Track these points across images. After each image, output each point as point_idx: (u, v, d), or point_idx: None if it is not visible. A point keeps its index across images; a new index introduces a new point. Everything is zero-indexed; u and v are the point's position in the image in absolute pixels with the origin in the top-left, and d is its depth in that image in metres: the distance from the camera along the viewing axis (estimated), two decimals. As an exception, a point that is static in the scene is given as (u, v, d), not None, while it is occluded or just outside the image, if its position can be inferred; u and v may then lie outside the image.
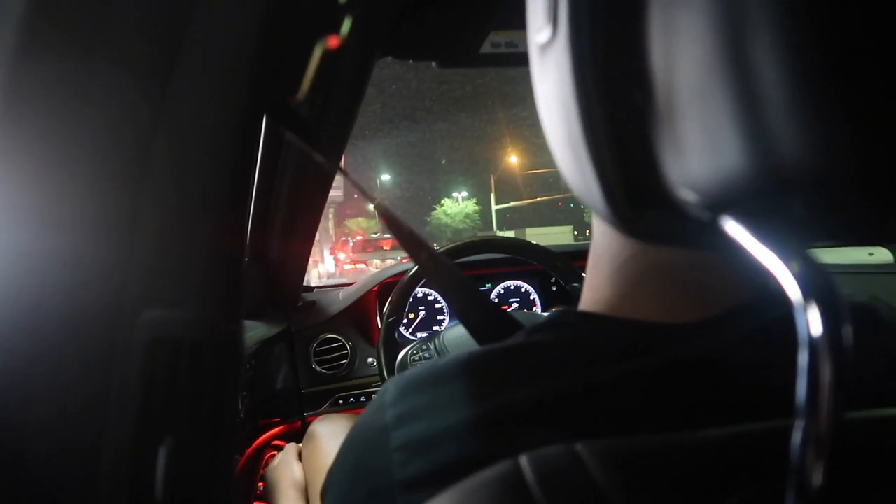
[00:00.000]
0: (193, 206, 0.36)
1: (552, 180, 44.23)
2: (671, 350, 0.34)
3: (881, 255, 1.66)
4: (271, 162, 1.13)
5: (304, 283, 1.58)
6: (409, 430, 0.35)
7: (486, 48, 0.87)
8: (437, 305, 1.60)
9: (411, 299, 1.52)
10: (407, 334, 1.58)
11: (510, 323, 0.54)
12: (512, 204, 40.43)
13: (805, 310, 0.22)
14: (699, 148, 0.24)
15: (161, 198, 0.35)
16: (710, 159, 0.23)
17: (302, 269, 1.42)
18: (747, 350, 0.34)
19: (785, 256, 0.23)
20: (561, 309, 0.42)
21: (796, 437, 0.22)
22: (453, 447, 0.33)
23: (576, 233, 35.93)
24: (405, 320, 1.58)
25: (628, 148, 0.27)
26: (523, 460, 0.28)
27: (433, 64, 0.90)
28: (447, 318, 1.60)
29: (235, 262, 0.39)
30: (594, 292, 0.41)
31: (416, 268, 1.23)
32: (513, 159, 48.42)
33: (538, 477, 0.27)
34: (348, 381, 1.42)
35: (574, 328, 0.39)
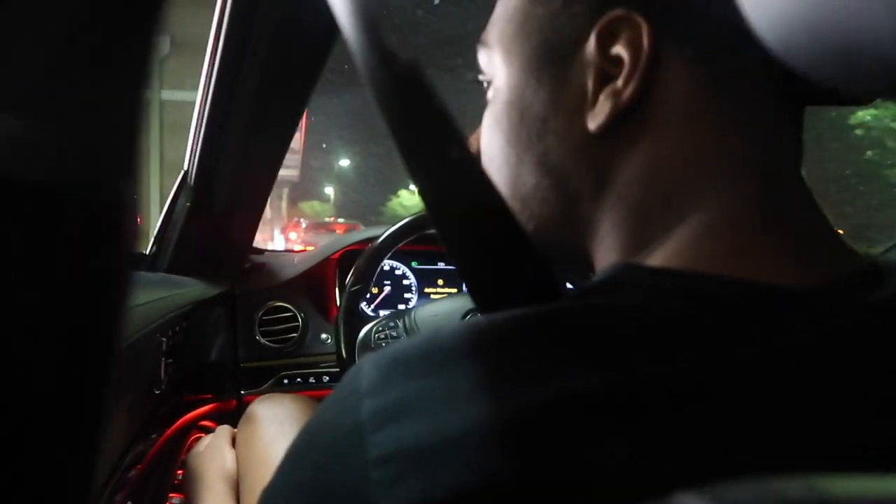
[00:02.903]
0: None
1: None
2: (820, 321, 0.26)
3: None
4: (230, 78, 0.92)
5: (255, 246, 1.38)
6: (397, 433, 0.24)
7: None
8: (406, 282, 1.42)
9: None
10: (368, 311, 1.40)
11: (551, 287, 0.36)
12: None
13: None
14: None
15: None
16: None
17: (254, 223, 1.22)
18: None
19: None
20: (620, 263, 0.33)
21: None
22: (473, 463, 0.22)
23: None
24: (367, 295, 1.39)
25: None
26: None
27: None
28: (415, 297, 1.42)
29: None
30: (650, 242, 0.33)
31: (387, 235, 1.05)
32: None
33: None
34: (296, 357, 1.23)
35: (660, 289, 0.29)
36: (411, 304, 1.41)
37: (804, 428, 0.23)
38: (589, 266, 0.39)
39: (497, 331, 0.26)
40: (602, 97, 0.34)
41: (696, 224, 0.31)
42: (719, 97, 0.32)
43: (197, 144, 1.05)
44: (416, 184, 0.34)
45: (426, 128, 0.33)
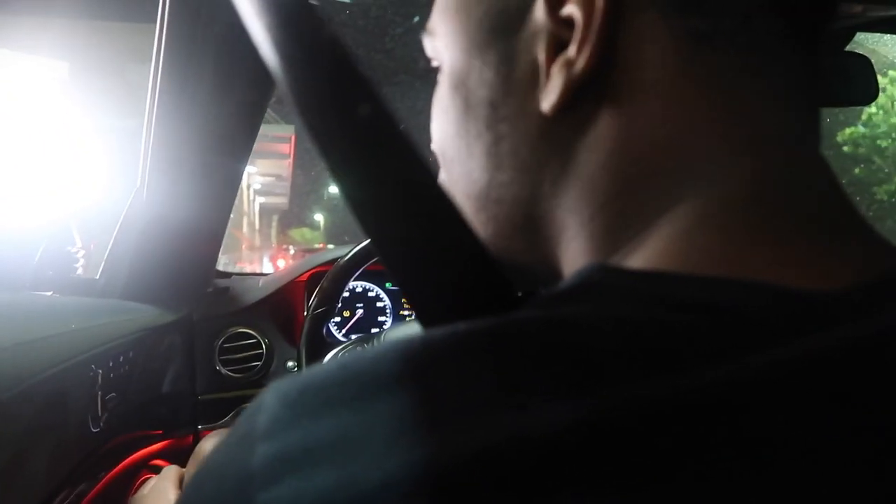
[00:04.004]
0: None
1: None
2: (840, 329, 0.20)
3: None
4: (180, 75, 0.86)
5: (222, 270, 1.30)
6: (296, 488, 0.18)
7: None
8: (380, 304, 1.35)
9: (347, 293, 1.26)
10: (339, 335, 1.32)
11: (506, 295, 0.30)
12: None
13: None
14: None
15: None
16: None
17: (215, 244, 1.15)
18: None
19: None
20: (593, 265, 0.26)
21: None
22: None
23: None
24: (338, 318, 1.32)
25: None
26: None
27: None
28: (390, 320, 1.35)
29: None
30: (626, 241, 0.28)
31: (353, 253, 0.99)
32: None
33: None
34: (259, 387, 1.15)
35: (641, 295, 0.23)
36: (386, 328, 1.34)
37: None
38: (558, 278, 0.33)
39: (434, 352, 0.20)
40: (555, 70, 0.28)
41: (682, 216, 0.26)
42: (703, 57, 0.26)
43: (147, 160, 0.98)
44: (322, 156, 0.28)
45: (320, 74, 0.27)
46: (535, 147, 0.30)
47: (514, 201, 0.32)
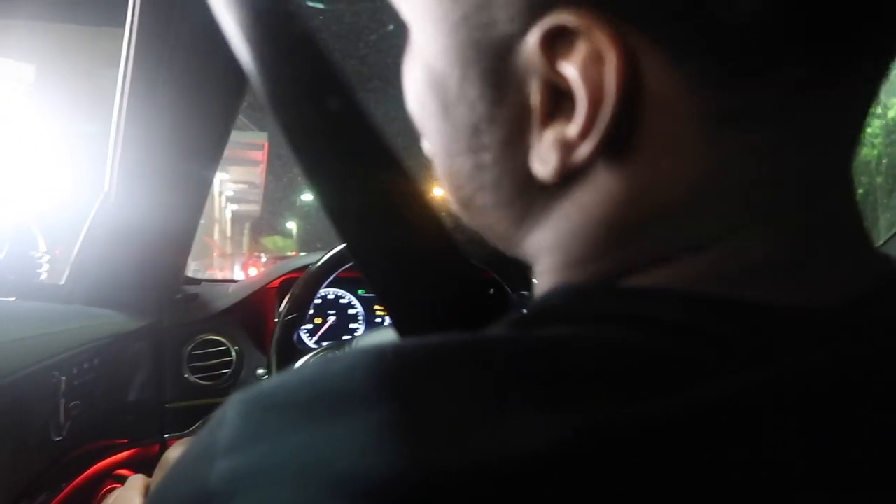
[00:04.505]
0: None
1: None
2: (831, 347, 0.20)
3: None
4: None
5: (192, 276, 1.28)
6: None
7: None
8: (352, 311, 1.34)
9: (319, 300, 1.25)
10: (310, 342, 1.31)
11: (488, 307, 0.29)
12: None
13: None
14: None
15: None
16: None
17: (184, 249, 1.13)
18: None
19: None
20: (563, 285, 0.26)
21: None
22: None
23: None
24: (309, 325, 1.30)
25: None
26: None
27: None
28: (362, 327, 1.34)
29: None
30: (602, 258, 0.25)
31: (325, 259, 0.98)
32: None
33: None
34: (229, 395, 1.13)
35: (622, 315, 0.22)
36: (358, 335, 1.33)
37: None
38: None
39: (408, 367, 0.20)
40: (549, 137, 0.23)
41: (670, 237, 0.24)
42: (728, 135, 0.22)
43: (115, 165, 0.96)
44: (296, 156, 0.27)
45: (292, 68, 0.26)
46: (521, 191, 0.26)
47: (498, 221, 0.29)
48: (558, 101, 0.23)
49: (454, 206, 0.30)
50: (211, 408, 1.11)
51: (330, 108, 0.27)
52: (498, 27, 0.24)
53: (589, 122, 0.22)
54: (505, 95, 0.25)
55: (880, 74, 0.23)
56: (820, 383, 0.19)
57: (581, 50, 0.21)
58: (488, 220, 0.29)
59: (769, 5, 0.20)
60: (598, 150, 0.22)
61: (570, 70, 0.22)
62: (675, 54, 0.21)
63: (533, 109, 0.24)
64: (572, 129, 0.22)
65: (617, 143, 0.22)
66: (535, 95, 0.23)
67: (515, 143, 0.25)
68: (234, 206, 23.31)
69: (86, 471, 0.91)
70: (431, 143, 0.30)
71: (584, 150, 0.22)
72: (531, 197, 0.26)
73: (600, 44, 0.21)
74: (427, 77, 0.28)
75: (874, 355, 0.21)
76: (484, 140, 0.26)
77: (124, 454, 1.00)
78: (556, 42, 0.22)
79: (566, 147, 0.23)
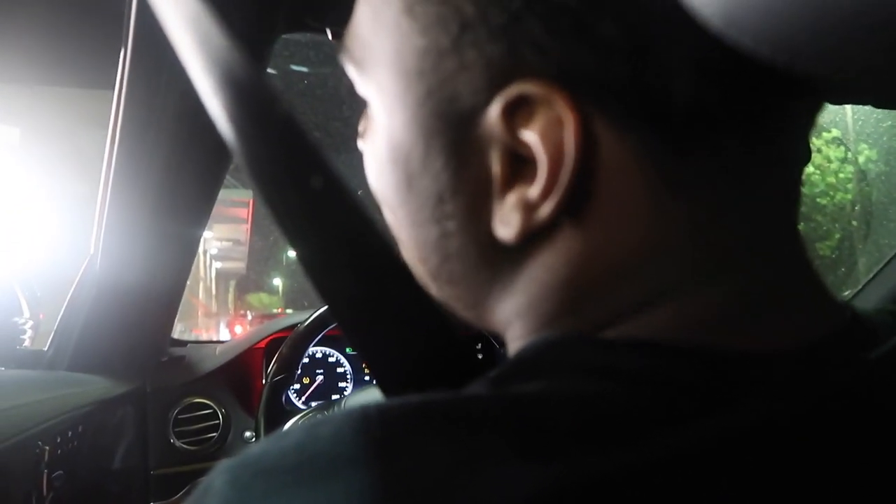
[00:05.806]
0: None
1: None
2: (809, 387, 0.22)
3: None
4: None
5: (177, 338, 1.27)
6: None
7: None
8: (340, 369, 1.33)
9: (307, 359, 1.24)
10: (299, 403, 1.29)
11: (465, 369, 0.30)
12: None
13: None
14: None
15: None
16: None
17: (170, 312, 1.12)
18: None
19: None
20: (536, 339, 0.26)
21: None
22: None
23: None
24: (297, 385, 1.29)
25: None
26: None
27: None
28: (351, 386, 1.32)
29: None
30: (579, 308, 0.26)
31: (312, 318, 0.98)
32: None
33: None
34: (216, 460, 1.10)
35: (591, 367, 0.23)
36: (347, 394, 1.32)
37: None
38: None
39: (390, 429, 0.20)
40: (511, 199, 0.25)
41: (630, 293, 0.25)
42: (677, 188, 0.24)
43: (102, 227, 0.97)
44: (278, 225, 0.28)
45: (274, 148, 0.28)
46: (487, 257, 0.28)
47: (467, 291, 0.30)
48: (518, 166, 0.25)
49: (422, 280, 0.31)
50: (197, 473, 1.09)
51: (311, 186, 0.28)
52: (462, 100, 0.26)
53: (550, 181, 0.24)
54: (468, 164, 0.26)
55: (809, 128, 0.26)
56: (781, 428, 0.20)
57: (541, 116, 0.23)
58: (457, 291, 0.30)
59: (701, 88, 0.22)
60: (558, 209, 0.24)
61: (531, 136, 0.24)
62: (623, 125, 0.23)
63: (494, 176, 0.26)
64: (534, 190, 0.24)
65: (576, 204, 0.24)
66: (497, 162, 0.25)
67: (479, 210, 0.27)
68: (219, 264, 23.20)
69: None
70: (395, 215, 0.31)
71: (545, 210, 0.24)
72: (497, 262, 0.28)
73: (559, 109, 0.23)
74: (390, 150, 0.29)
75: (828, 399, 0.22)
76: (448, 209, 0.28)
77: (107, 525, 0.97)
78: (516, 111, 0.24)
79: (528, 208, 0.25)
